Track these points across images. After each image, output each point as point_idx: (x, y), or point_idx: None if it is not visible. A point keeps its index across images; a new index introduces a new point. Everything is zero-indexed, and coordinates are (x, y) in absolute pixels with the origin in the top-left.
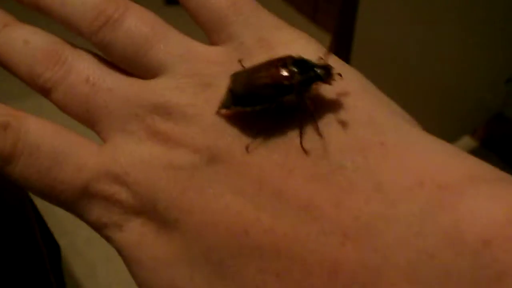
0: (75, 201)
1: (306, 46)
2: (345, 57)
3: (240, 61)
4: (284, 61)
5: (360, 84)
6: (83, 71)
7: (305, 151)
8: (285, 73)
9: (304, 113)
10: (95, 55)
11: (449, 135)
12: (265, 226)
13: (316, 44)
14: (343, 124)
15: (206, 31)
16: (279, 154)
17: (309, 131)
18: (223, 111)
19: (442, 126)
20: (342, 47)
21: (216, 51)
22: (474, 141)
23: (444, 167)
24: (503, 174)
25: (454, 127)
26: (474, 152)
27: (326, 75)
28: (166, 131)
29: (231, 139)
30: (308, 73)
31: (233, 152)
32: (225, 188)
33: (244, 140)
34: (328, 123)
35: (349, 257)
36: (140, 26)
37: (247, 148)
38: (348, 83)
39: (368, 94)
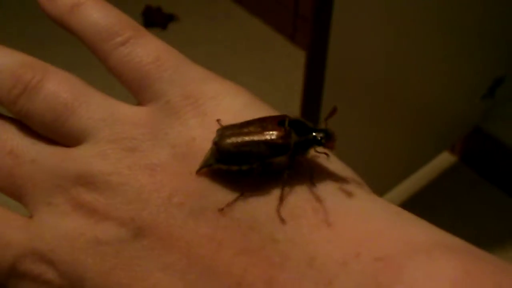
0: (5, 280)
1: (235, 99)
2: (320, 75)
3: (218, 120)
4: (281, 120)
5: None
6: (7, 143)
7: (282, 220)
8: (281, 132)
9: (291, 176)
10: (21, 123)
11: (428, 151)
12: None
13: (246, 96)
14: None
15: (132, 91)
16: (207, 226)
17: (239, 201)
18: (204, 170)
19: (420, 143)
20: (316, 65)
21: (140, 112)
22: (453, 157)
23: (382, 235)
24: (443, 238)
25: (433, 143)
26: (453, 167)
27: (326, 139)
28: (91, 203)
29: (156, 209)
30: (307, 135)
31: (159, 224)
32: (153, 265)
33: (172, 210)
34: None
35: None
36: (58, 92)
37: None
38: None
39: None
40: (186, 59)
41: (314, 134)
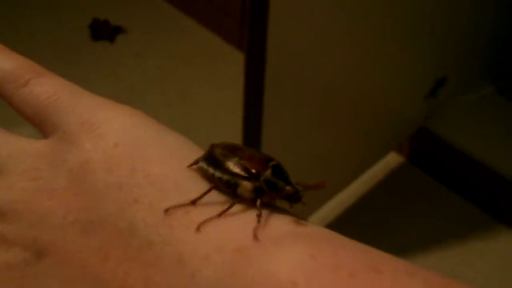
0: None
1: (126, 120)
2: (260, 78)
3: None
4: (271, 160)
5: (169, 148)
6: None
7: (256, 237)
8: (261, 164)
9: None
10: None
11: (375, 152)
12: None
13: (137, 117)
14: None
15: (36, 126)
16: (96, 238)
17: (120, 212)
18: (194, 166)
19: (367, 144)
20: (256, 67)
21: (42, 144)
22: (400, 157)
23: (242, 230)
24: (296, 227)
25: (380, 144)
26: (400, 167)
27: (294, 197)
28: (2, 232)
29: (54, 229)
30: (278, 181)
31: (56, 243)
32: (54, 282)
33: (67, 228)
34: (136, 199)
35: None
36: None
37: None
38: (155, 149)
39: (175, 159)
40: (81, 89)
41: (285, 184)
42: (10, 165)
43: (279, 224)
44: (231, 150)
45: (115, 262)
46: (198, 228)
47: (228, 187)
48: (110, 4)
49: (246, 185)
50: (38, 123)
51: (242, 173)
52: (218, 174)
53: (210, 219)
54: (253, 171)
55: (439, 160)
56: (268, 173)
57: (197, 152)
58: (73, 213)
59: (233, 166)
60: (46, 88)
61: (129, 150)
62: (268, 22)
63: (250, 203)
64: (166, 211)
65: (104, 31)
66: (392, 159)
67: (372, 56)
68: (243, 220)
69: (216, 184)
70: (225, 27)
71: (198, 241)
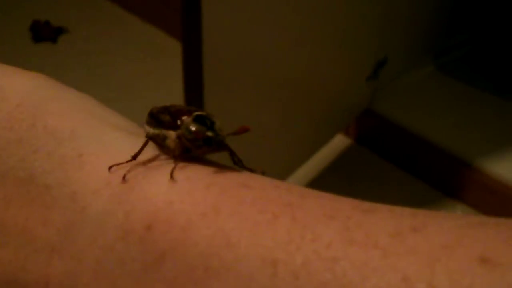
0: None
1: (30, 83)
2: (198, 67)
3: None
4: (197, 111)
5: (69, 103)
6: None
7: (172, 177)
8: (186, 115)
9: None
10: None
11: (322, 135)
12: None
13: (41, 80)
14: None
15: None
16: (1, 190)
17: (21, 162)
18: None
19: (314, 127)
20: (192, 56)
21: None
22: (347, 139)
23: (135, 166)
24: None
25: (327, 127)
26: (348, 149)
27: (215, 142)
28: None
29: None
30: (200, 125)
31: None
32: None
33: None
34: (35, 150)
35: (56, 269)
36: None
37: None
38: (56, 105)
39: (74, 111)
40: None
41: (204, 129)
42: None
43: (195, 170)
44: (165, 108)
45: (16, 208)
46: (89, 166)
47: (160, 141)
48: (51, 5)
49: (170, 135)
50: None
51: (166, 124)
52: (152, 130)
53: (95, 157)
54: (177, 121)
55: (386, 139)
56: (188, 120)
57: (102, 108)
58: None
59: (161, 120)
60: None
61: (31, 108)
62: (202, 9)
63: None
64: (109, 168)
65: (45, 33)
66: (339, 141)
67: (311, 39)
68: (127, 153)
69: (154, 141)
70: (168, 21)
71: (90, 179)
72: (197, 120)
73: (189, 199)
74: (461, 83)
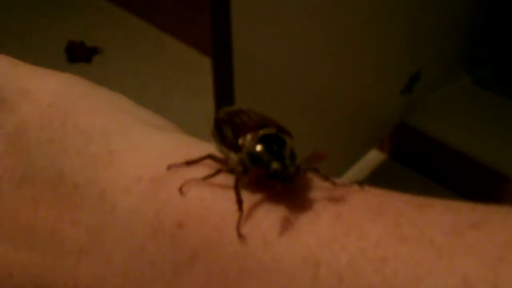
0: None
1: (61, 83)
2: (229, 81)
3: None
4: (265, 126)
5: (101, 101)
6: None
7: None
8: (247, 137)
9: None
10: None
11: (356, 151)
12: (22, 263)
13: (72, 79)
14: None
15: None
16: (30, 191)
17: (48, 160)
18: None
19: (348, 142)
20: (223, 70)
21: None
22: (382, 154)
23: (161, 159)
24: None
25: (361, 142)
26: (383, 164)
27: (280, 174)
28: None
29: None
30: (265, 152)
31: None
32: None
33: (2, 185)
34: (65, 150)
35: (84, 272)
36: None
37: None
38: (87, 104)
39: (106, 109)
40: (17, 60)
41: (269, 159)
42: None
43: (194, 150)
44: (231, 116)
45: (45, 209)
46: (119, 163)
47: (221, 157)
48: (85, 26)
49: (233, 158)
50: None
51: (227, 141)
52: (214, 145)
53: (126, 154)
54: (238, 140)
55: (421, 153)
56: (251, 144)
57: (134, 105)
58: (8, 172)
59: (223, 134)
60: None
61: (62, 107)
62: (232, 25)
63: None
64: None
65: (80, 53)
66: (374, 156)
67: (343, 54)
68: (158, 150)
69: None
70: (199, 38)
71: (120, 176)
72: (263, 142)
73: (222, 194)
74: (496, 95)
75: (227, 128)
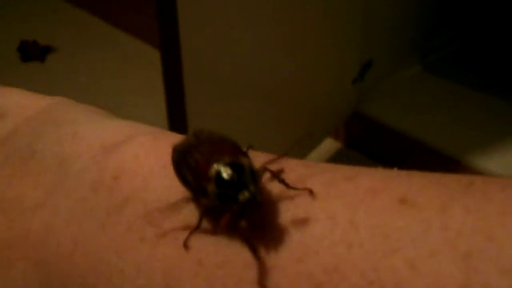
0: None
1: (50, 101)
2: (178, 74)
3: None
4: (222, 158)
5: (78, 107)
6: None
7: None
8: (208, 173)
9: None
10: None
11: (311, 140)
12: None
13: (63, 100)
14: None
15: None
16: (6, 169)
17: (13, 138)
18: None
19: (302, 132)
20: (171, 62)
21: None
22: (337, 142)
23: (113, 134)
24: (153, 130)
25: (315, 131)
26: (338, 152)
27: (250, 203)
28: None
29: None
30: (227, 189)
31: None
32: None
33: None
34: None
35: (37, 222)
36: None
37: None
38: (69, 107)
39: (80, 110)
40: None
41: (235, 192)
42: None
43: (133, 128)
44: (184, 155)
45: (16, 181)
46: (77, 138)
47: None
48: (37, 25)
49: (203, 201)
50: None
51: (192, 186)
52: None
53: (87, 133)
54: (201, 187)
55: (375, 141)
56: (211, 186)
57: (107, 112)
58: None
59: (186, 179)
60: None
61: (47, 112)
62: (178, 17)
63: None
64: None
65: (33, 52)
66: (329, 145)
67: (295, 44)
68: (116, 127)
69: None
70: (150, 32)
71: (77, 148)
72: (221, 179)
73: (154, 153)
74: (448, 82)
75: (186, 172)
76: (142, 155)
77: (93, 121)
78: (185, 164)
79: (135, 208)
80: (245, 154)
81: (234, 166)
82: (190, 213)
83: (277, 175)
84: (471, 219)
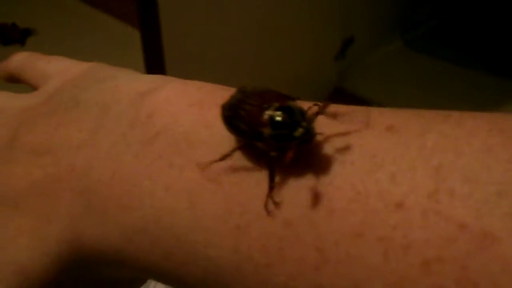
0: None
1: (90, 64)
2: (159, 54)
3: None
4: (271, 104)
5: (118, 68)
6: None
7: (267, 211)
8: (262, 119)
9: (268, 162)
10: None
11: None
12: (40, 163)
13: (99, 63)
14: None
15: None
16: (54, 118)
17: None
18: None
19: None
20: (152, 44)
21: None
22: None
23: (148, 83)
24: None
25: None
26: None
27: (304, 136)
28: None
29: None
30: (282, 129)
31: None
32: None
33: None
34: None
35: (81, 158)
36: None
37: None
38: (109, 67)
39: (119, 69)
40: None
41: (290, 130)
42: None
43: (170, 78)
44: (234, 108)
45: (62, 128)
46: (121, 90)
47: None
48: (17, 8)
49: (260, 145)
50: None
51: (247, 136)
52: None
53: (125, 84)
54: (256, 131)
55: None
56: (267, 130)
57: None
58: (47, 106)
59: (240, 130)
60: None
61: (89, 70)
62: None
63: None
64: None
65: (13, 35)
66: None
67: (276, 22)
68: (150, 78)
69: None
70: (130, 13)
71: (118, 95)
72: (276, 121)
73: (182, 95)
74: (428, 57)
75: (239, 123)
76: (173, 97)
77: (130, 75)
78: (237, 116)
79: (165, 139)
80: (291, 98)
81: (284, 109)
82: (217, 146)
83: (321, 111)
84: (445, 140)
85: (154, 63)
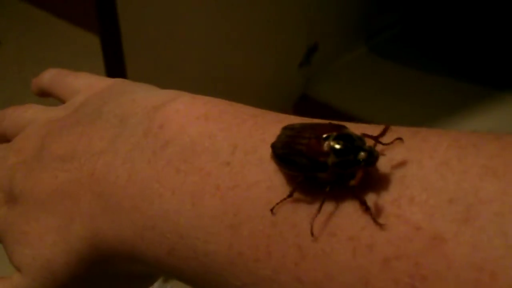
0: None
1: (110, 82)
2: (119, 58)
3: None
4: (330, 134)
5: (136, 84)
6: None
7: (313, 234)
8: (323, 149)
9: (340, 190)
10: None
11: None
12: (65, 168)
13: (121, 80)
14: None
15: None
16: (78, 128)
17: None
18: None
19: None
20: (112, 49)
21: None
22: None
23: (162, 97)
24: (193, 94)
25: None
26: None
27: (369, 159)
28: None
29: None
30: (348, 156)
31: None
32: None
33: (67, 127)
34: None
35: (101, 163)
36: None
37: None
38: (129, 83)
39: (136, 84)
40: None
41: (354, 155)
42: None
43: (179, 93)
44: (288, 145)
45: (85, 137)
46: (138, 103)
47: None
48: None
49: (322, 176)
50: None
51: (308, 168)
52: (291, 168)
53: (142, 98)
54: (322, 159)
55: None
56: (332, 158)
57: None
58: (71, 118)
59: (299, 164)
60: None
61: (113, 87)
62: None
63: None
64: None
65: None
66: None
67: (239, 28)
68: (164, 93)
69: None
70: (91, 20)
71: (134, 109)
72: (337, 148)
73: (191, 108)
74: (393, 63)
75: (298, 158)
76: (182, 110)
77: (147, 90)
78: (294, 152)
79: (173, 148)
80: (343, 127)
81: (344, 136)
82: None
83: (374, 137)
84: (410, 154)
85: (115, 69)
